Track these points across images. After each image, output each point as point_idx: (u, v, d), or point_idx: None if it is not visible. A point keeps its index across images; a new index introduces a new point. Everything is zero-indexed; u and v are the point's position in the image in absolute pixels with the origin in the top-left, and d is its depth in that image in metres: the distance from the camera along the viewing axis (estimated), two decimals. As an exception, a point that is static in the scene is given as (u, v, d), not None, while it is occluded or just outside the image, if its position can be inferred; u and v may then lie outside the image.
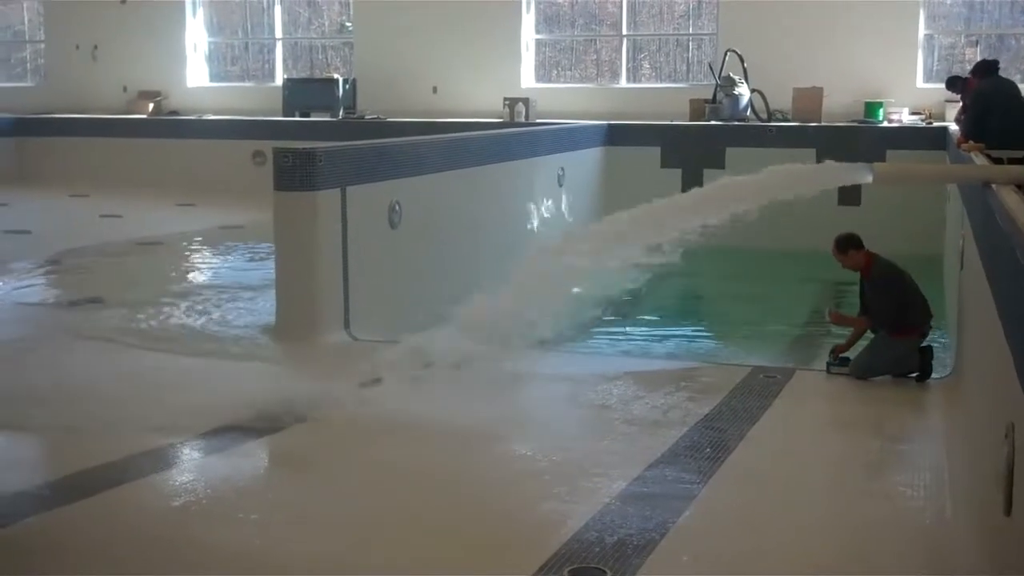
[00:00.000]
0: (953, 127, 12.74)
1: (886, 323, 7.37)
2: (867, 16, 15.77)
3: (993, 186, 5.70)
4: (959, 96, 11.55)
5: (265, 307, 9.15)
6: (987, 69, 9.82)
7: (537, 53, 18.33)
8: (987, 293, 5.16)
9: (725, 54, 15.85)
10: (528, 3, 18.03)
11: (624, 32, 18.00)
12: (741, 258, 12.95)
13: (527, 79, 17.99)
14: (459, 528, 4.77)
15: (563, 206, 13.49)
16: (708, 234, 7.02)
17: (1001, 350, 4.23)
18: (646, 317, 11.19)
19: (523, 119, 16.58)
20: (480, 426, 6.13)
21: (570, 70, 18.71)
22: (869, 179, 7.11)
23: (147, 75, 20.11)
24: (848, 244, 7.52)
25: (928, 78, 16.02)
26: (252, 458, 5.85)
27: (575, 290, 7.97)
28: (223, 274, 11.50)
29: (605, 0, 18.44)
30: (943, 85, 12.99)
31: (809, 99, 15.50)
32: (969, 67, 11.88)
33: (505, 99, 17.00)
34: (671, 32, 18.31)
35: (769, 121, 15.45)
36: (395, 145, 9.99)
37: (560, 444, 5.99)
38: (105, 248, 12.59)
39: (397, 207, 9.17)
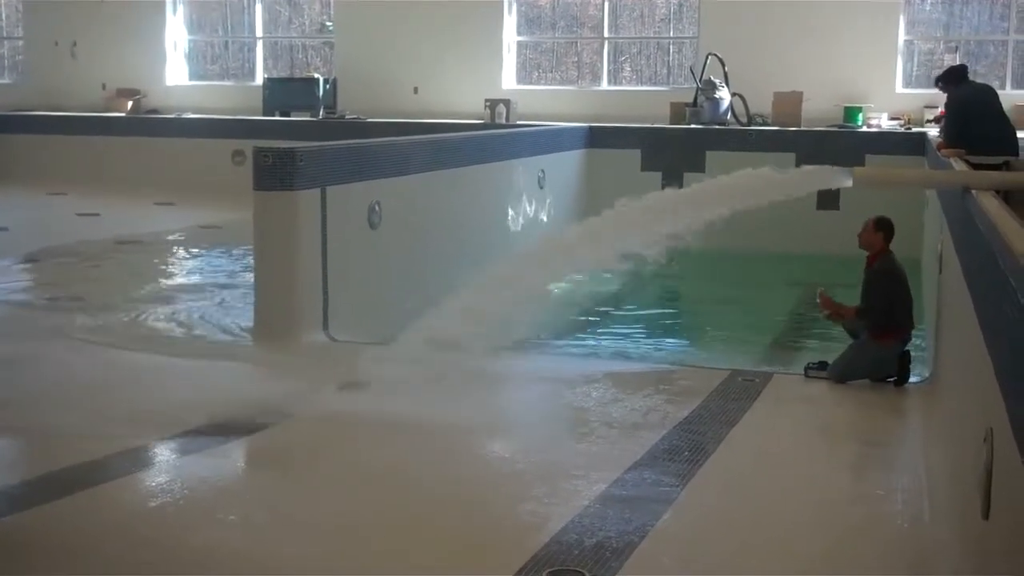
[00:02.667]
0: (932, 132, 12.79)
1: (874, 316, 7.38)
2: (847, 21, 15.84)
3: (973, 191, 5.72)
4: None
5: (244, 307, 9.11)
6: (959, 76, 9.82)
7: (518, 55, 18.33)
8: (966, 298, 5.18)
9: (706, 58, 15.89)
10: (510, 5, 18.03)
11: (605, 35, 18.02)
12: (720, 261, 12.98)
13: (508, 80, 17.99)
14: (438, 529, 4.76)
15: (544, 208, 13.49)
16: (684, 237, 7.01)
17: (980, 355, 4.24)
18: (625, 319, 11.19)
19: (504, 120, 16.57)
20: (460, 427, 6.13)
21: (551, 72, 18.72)
22: (849, 183, 7.14)
23: (126, 73, 20.01)
24: (884, 226, 7.53)
25: (907, 83, 16.10)
26: (231, 458, 5.83)
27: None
28: (202, 274, 11.45)
29: (586, 3, 18.45)
30: (922, 91, 13.03)
31: (789, 103, 15.56)
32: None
33: (486, 100, 17.00)
34: (652, 35, 18.34)
35: (749, 125, 15.49)
36: (376, 145, 9.96)
37: (539, 446, 5.98)
38: (83, 247, 12.51)
39: (377, 208, 9.15)
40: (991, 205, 4.95)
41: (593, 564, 4.33)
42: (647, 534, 4.66)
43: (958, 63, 12.75)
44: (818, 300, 7.97)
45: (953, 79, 9.75)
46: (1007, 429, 3.35)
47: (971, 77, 10.16)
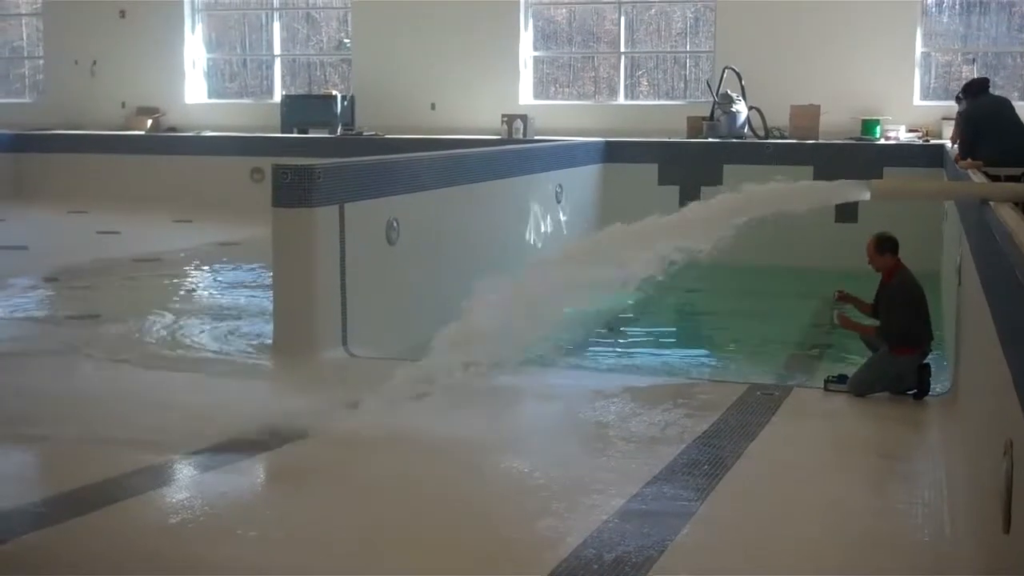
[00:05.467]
0: (950, 145, 12.75)
1: (892, 333, 7.35)
2: (864, 34, 15.81)
3: (991, 203, 5.71)
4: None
5: (263, 324, 9.14)
6: (977, 89, 9.76)
7: (535, 70, 18.36)
8: (985, 310, 5.16)
9: (723, 71, 15.88)
10: (526, 20, 18.07)
11: (622, 49, 18.04)
12: (738, 275, 12.96)
13: (525, 96, 18.01)
14: (457, 545, 4.76)
15: (561, 223, 13.50)
16: (704, 251, 7.02)
17: (1000, 367, 4.23)
18: (644, 333, 11.18)
19: (521, 136, 16.59)
20: (478, 442, 6.13)
21: (568, 87, 18.74)
22: (867, 196, 7.13)
23: (146, 91, 20.12)
24: (887, 246, 7.49)
25: (925, 96, 16.05)
26: (250, 474, 5.85)
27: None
28: (220, 291, 11.49)
29: (603, 17, 18.48)
30: (940, 103, 12.96)
31: (806, 116, 15.53)
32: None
33: (503, 116, 17.02)
34: (669, 49, 18.36)
35: (766, 138, 15.48)
36: (393, 162, 10.00)
37: (558, 461, 5.98)
38: (103, 264, 12.58)
39: (395, 224, 9.18)
40: (1009, 217, 4.94)
41: (612, 579, 4.32)
42: (666, 548, 4.66)
43: (977, 76, 12.72)
44: (836, 320, 7.95)
45: (972, 92, 9.73)
46: (1027, 441, 3.34)
47: (990, 89, 10.11)
